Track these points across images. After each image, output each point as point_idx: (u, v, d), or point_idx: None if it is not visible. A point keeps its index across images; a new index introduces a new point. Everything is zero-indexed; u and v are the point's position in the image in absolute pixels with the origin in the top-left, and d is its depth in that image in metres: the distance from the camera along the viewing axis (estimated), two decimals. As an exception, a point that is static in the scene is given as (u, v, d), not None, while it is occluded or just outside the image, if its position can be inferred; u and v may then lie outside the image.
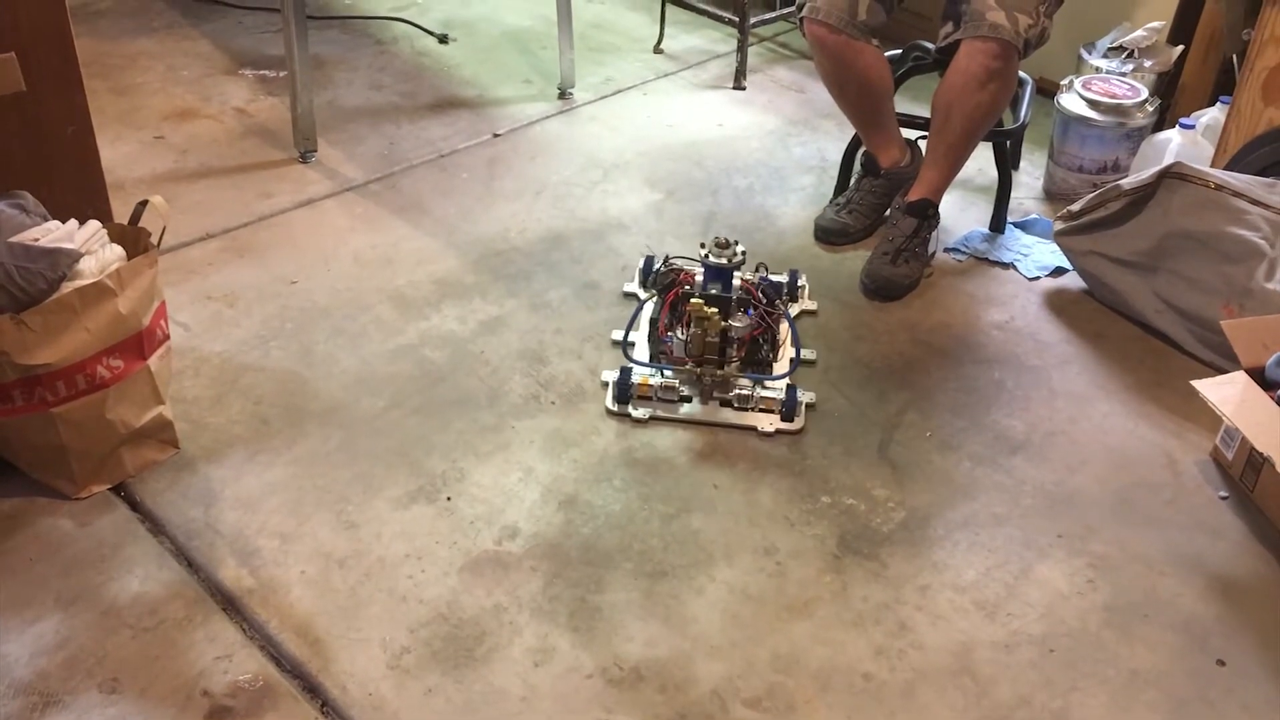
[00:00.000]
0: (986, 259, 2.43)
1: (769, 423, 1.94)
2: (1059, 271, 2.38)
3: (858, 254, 2.43)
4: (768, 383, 1.98)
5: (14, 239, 1.64)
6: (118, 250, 1.73)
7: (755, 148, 2.83)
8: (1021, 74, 2.59)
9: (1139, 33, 2.73)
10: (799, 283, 2.27)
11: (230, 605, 1.60)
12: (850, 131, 2.53)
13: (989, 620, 1.62)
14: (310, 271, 2.30)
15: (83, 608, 1.58)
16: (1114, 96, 2.58)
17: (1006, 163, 2.50)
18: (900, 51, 2.51)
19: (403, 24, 3.38)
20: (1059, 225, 2.31)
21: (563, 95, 3.03)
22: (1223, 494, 1.85)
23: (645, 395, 1.98)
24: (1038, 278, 2.37)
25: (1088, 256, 2.27)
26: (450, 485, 1.80)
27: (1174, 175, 2.12)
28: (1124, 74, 2.67)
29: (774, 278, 2.20)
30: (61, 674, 1.49)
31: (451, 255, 2.37)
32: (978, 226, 2.53)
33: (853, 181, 2.53)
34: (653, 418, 1.96)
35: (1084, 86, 2.61)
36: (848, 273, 2.38)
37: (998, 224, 2.52)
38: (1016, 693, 1.52)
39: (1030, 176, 2.75)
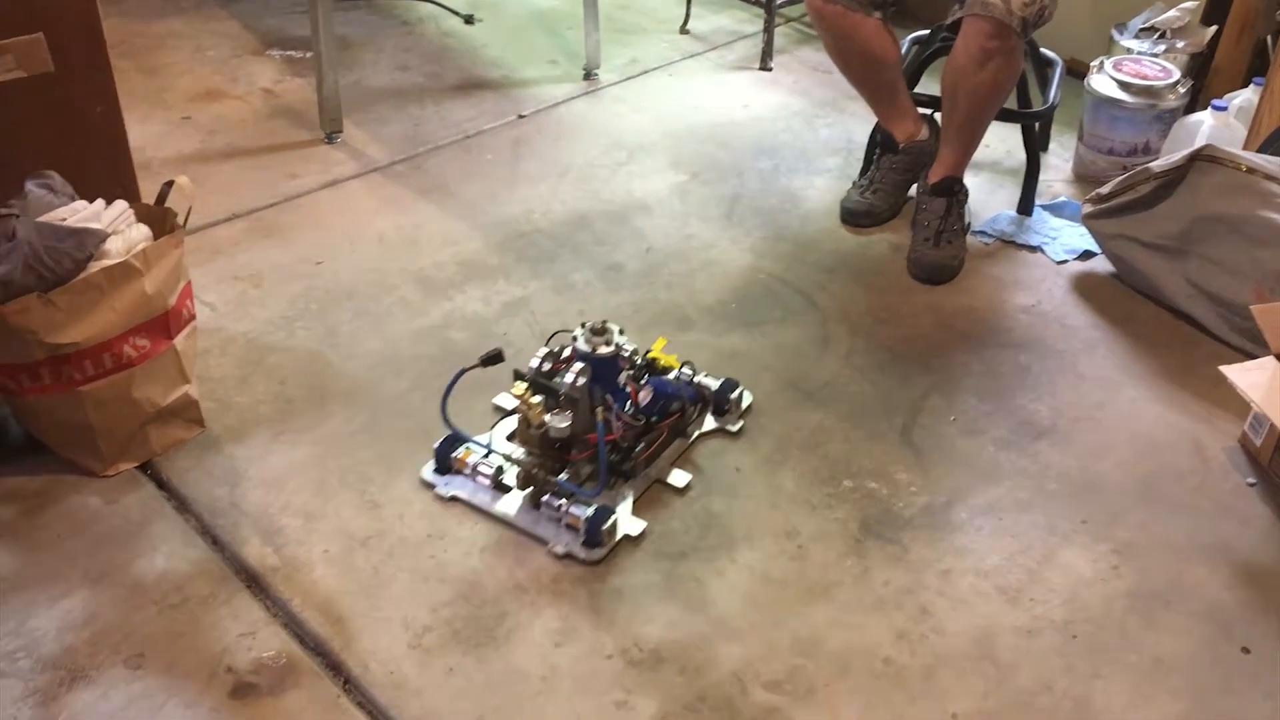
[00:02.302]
0: (1014, 242, 2.41)
1: (564, 544, 1.67)
2: (1087, 255, 2.36)
3: (882, 236, 2.42)
4: (584, 498, 1.68)
5: (42, 219, 1.65)
6: (144, 230, 1.74)
7: (781, 129, 2.82)
8: (1051, 54, 2.56)
9: (1171, 13, 2.69)
10: (734, 396, 1.90)
11: (254, 583, 1.61)
12: (877, 113, 2.51)
13: (1011, 605, 1.61)
14: (335, 252, 2.30)
15: (109, 584, 1.60)
16: (1145, 78, 2.54)
17: (1035, 145, 2.47)
18: (928, 32, 2.49)
19: (428, 4, 3.38)
20: (1088, 208, 2.29)
21: (588, 76, 3.03)
22: (1250, 480, 1.83)
23: (460, 471, 1.77)
24: (1065, 261, 2.35)
25: (1116, 240, 2.25)
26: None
27: (1205, 158, 2.09)
28: (1156, 55, 2.63)
29: (708, 381, 1.91)
30: (88, 649, 1.51)
31: (476, 237, 2.37)
32: (1005, 209, 2.51)
33: (874, 160, 2.51)
34: (453, 498, 1.74)
35: (1115, 68, 2.58)
36: (873, 255, 2.36)
37: (1025, 207, 2.49)
38: (1038, 678, 1.51)
39: (1059, 159, 2.72)
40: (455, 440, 1.78)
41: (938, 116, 2.40)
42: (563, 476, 1.72)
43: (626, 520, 1.70)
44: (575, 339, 1.74)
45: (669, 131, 2.78)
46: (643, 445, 1.76)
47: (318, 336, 2.08)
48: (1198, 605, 1.62)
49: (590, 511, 1.65)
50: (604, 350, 1.73)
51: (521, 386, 1.73)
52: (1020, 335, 2.15)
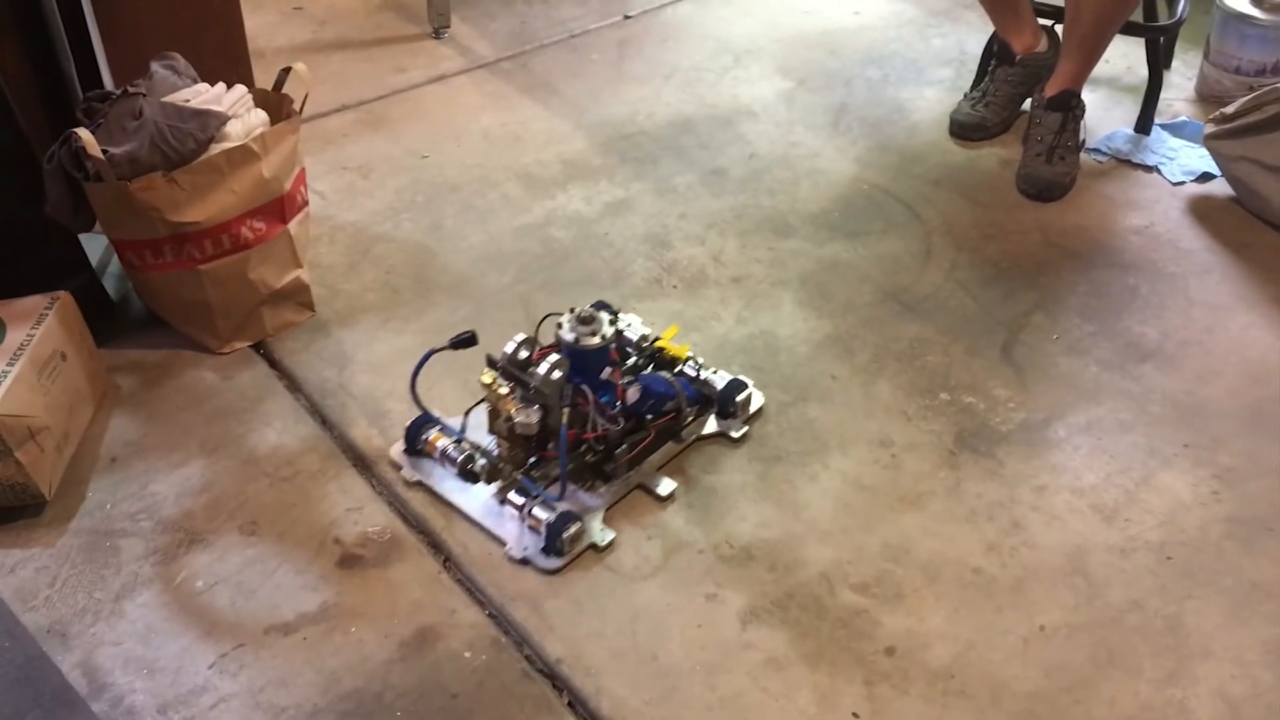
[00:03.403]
0: (1129, 161, 2.34)
1: (523, 548, 1.53)
2: (1206, 177, 2.29)
3: (992, 151, 2.36)
4: (548, 500, 1.55)
5: (166, 99, 1.70)
6: (262, 115, 1.78)
7: (892, 38, 2.75)
8: (1183, -34, 2.46)
9: (1315, -75, 2.55)
10: (740, 398, 1.72)
11: (360, 462, 1.67)
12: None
13: (1106, 524, 1.61)
14: (441, 147, 2.33)
15: (224, 455, 1.67)
16: (1281, -7, 2.43)
17: (1158, 61, 2.39)
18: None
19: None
20: (1210, 129, 2.21)
21: (696, -22, 2.98)
22: (1364, 414, 1.78)
23: (430, 454, 1.63)
24: (1183, 183, 2.28)
25: (1239, 162, 2.17)
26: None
27: (1341, 79, 2.00)
28: (1295, -30, 2.51)
29: (713, 379, 1.73)
30: (205, 514, 1.58)
31: (579, 136, 2.38)
32: (1122, 127, 2.43)
33: (988, 72, 2.44)
34: (418, 483, 1.63)
35: (1249, -18, 2.47)
36: (981, 170, 2.31)
37: (1144, 125, 2.42)
38: (1129, 596, 1.51)
39: (1182, 77, 2.62)
40: (426, 421, 1.64)
41: (1058, 29, 2.32)
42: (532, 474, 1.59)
43: (595, 528, 1.56)
44: (560, 325, 1.57)
45: (777, 37, 2.74)
46: (625, 447, 1.61)
47: (423, 228, 2.12)
48: (1299, 534, 1.60)
49: (553, 517, 1.52)
50: (589, 341, 1.55)
51: (490, 375, 1.57)
52: (1131, 257, 2.10)
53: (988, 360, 1.87)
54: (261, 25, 2.66)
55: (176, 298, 1.79)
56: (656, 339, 1.76)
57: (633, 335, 1.74)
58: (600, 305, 1.68)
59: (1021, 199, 2.24)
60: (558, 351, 1.57)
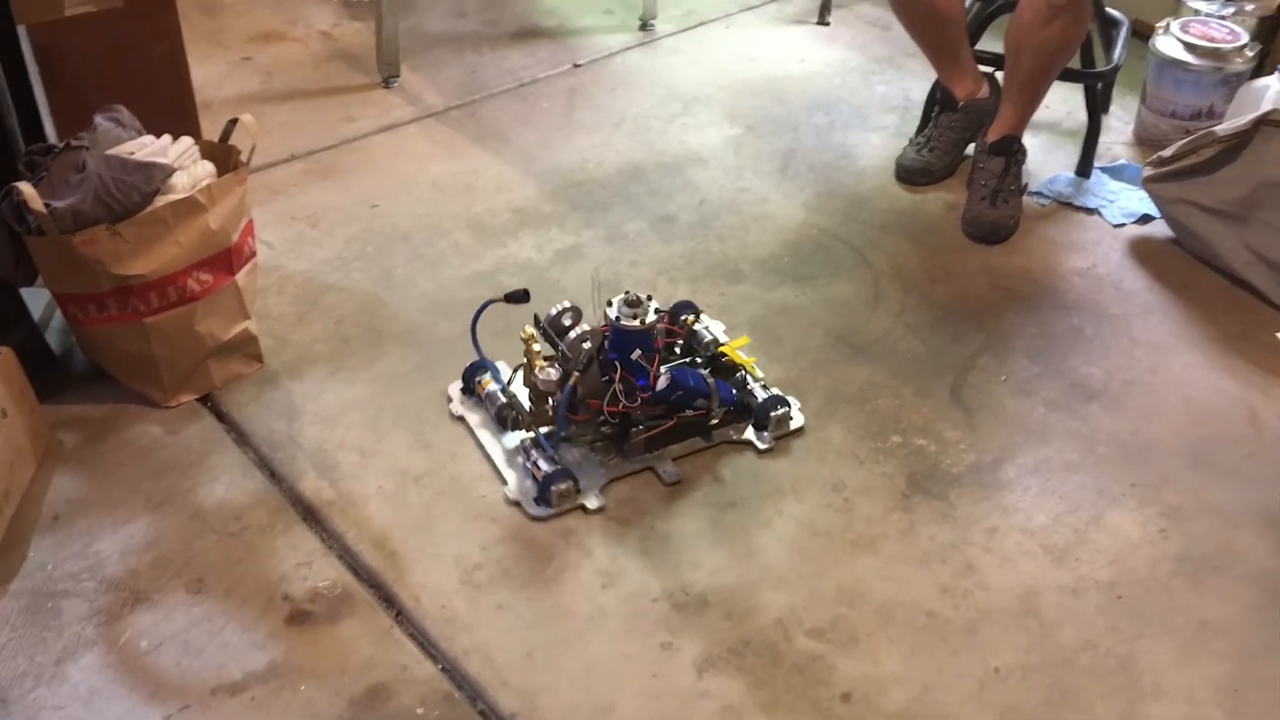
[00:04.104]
0: (1071, 204, 2.39)
1: (518, 491, 1.68)
2: (1146, 219, 2.33)
3: (937, 195, 2.40)
4: (548, 454, 1.69)
5: (111, 152, 1.68)
6: (208, 166, 1.77)
7: (838, 84, 2.79)
8: (1116, 14, 2.52)
9: (1243, -25, 2.63)
10: (776, 414, 1.78)
11: (310, 515, 1.65)
12: (936, 70, 2.49)
13: (1056, 565, 1.62)
14: (391, 196, 2.32)
15: (171, 511, 1.64)
16: (1212, 40, 2.50)
17: (1096, 106, 2.44)
18: (993, -12, 2.46)
19: (486, -49, 3.36)
20: (1148, 171, 2.26)
21: (644, 26, 3.01)
22: (1304, 450, 1.82)
23: (479, 395, 1.81)
24: (1123, 225, 2.33)
25: (1177, 204, 2.22)
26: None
27: (1271, 123, 2.06)
28: (1224, 17, 2.58)
29: (757, 390, 1.80)
30: (150, 573, 1.55)
31: (530, 184, 2.38)
32: (1063, 171, 2.48)
33: (932, 118, 2.49)
34: (460, 418, 1.80)
35: (1182, 29, 2.53)
36: (927, 213, 2.35)
37: (1084, 169, 2.47)
38: (1081, 636, 1.52)
39: (1120, 121, 2.68)
40: (481, 366, 1.81)
41: (999, 75, 2.37)
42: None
43: (590, 493, 1.67)
44: (610, 303, 1.71)
45: (725, 84, 2.77)
46: (641, 428, 1.72)
47: (373, 278, 2.11)
48: (1246, 570, 1.62)
49: (551, 470, 1.65)
50: (629, 323, 1.68)
51: (530, 332, 1.72)
52: (1074, 298, 2.13)
53: (938, 402, 1.89)
54: (209, 76, 2.65)
55: (121, 351, 1.77)
56: (720, 343, 1.83)
57: (705, 337, 1.83)
58: (685, 305, 1.88)
59: (967, 242, 2.27)
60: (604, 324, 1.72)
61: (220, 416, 1.80)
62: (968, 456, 1.79)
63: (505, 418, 1.76)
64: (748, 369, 1.83)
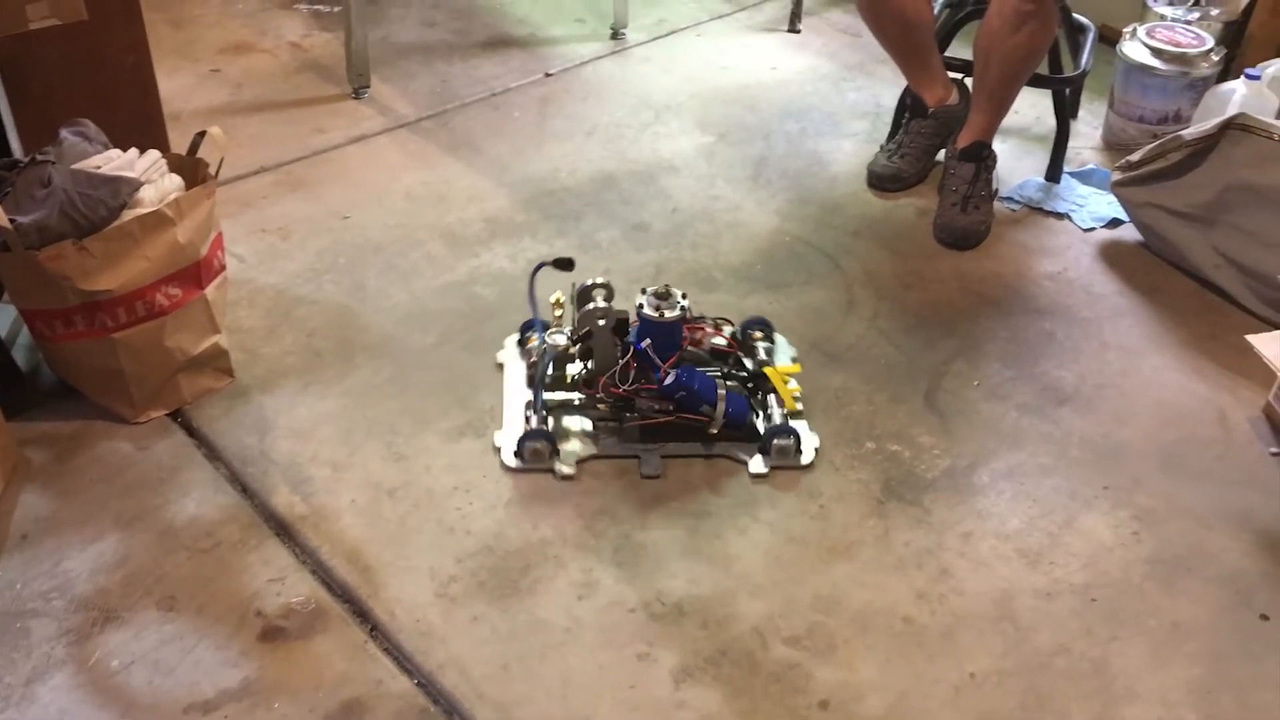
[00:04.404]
0: (1041, 209, 2.40)
1: (506, 438, 1.78)
2: (1115, 223, 2.35)
3: (909, 201, 2.41)
4: (539, 416, 1.78)
5: (76, 166, 1.67)
6: (176, 180, 1.75)
7: (809, 92, 2.80)
8: (1083, 20, 2.54)
9: (1207, -20, 2.66)
10: (778, 442, 1.75)
11: (283, 530, 1.64)
12: (906, 77, 2.50)
13: (1031, 568, 1.62)
14: (363, 207, 2.31)
15: (141, 528, 1.63)
16: (1178, 45, 2.52)
17: (1065, 111, 2.46)
18: (962, -5, 2.48)
19: (456, -39, 3.36)
20: (1117, 176, 2.28)
21: (615, 35, 3.01)
22: (1274, 450, 1.83)
23: (527, 346, 1.92)
24: (1093, 229, 2.34)
25: (1145, 208, 2.24)
26: (498, 421, 1.82)
27: (1237, 127, 2.08)
28: (1190, 22, 2.61)
29: (777, 415, 1.79)
30: (121, 591, 1.54)
31: (502, 194, 2.38)
32: (1033, 176, 2.50)
33: (903, 124, 2.50)
34: (499, 365, 1.92)
35: (1148, 34, 2.56)
36: (899, 220, 2.36)
37: (1054, 174, 2.48)
38: (1056, 640, 1.53)
39: (1089, 126, 2.71)
40: (534, 324, 1.88)
41: (968, 81, 2.39)
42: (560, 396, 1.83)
43: (565, 459, 1.75)
44: (644, 290, 1.76)
45: (696, 92, 2.77)
46: (635, 415, 1.76)
47: (345, 290, 2.09)
48: (1218, 572, 1.63)
49: (529, 427, 1.75)
50: (651, 314, 1.73)
51: (559, 297, 1.80)
52: (1045, 302, 2.14)
53: (911, 408, 1.89)
54: (178, 88, 2.64)
55: (89, 367, 1.75)
56: (768, 364, 1.86)
57: (758, 354, 1.88)
58: (759, 322, 1.94)
59: (939, 248, 2.28)
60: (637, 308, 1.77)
61: (191, 432, 1.79)
62: (942, 462, 1.79)
63: (532, 376, 1.85)
64: (783, 395, 1.81)
